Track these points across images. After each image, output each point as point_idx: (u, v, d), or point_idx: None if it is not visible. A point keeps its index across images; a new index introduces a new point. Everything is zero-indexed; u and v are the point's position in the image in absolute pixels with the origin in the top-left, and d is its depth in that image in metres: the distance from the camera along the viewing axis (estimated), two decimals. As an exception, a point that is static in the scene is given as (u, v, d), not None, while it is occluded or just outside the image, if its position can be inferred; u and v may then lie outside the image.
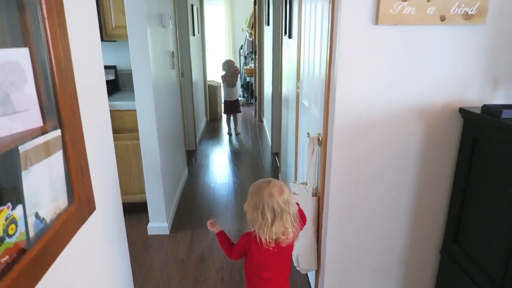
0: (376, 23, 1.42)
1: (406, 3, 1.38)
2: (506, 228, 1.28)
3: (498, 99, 1.55)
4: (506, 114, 1.30)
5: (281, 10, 3.47)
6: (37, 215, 0.81)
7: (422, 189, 1.68)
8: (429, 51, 1.48)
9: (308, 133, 2.04)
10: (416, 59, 1.49)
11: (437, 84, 1.53)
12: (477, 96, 1.55)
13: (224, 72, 5.42)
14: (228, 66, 5.39)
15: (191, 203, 3.38)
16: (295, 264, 1.97)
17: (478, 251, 1.45)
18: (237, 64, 6.95)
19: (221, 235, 1.59)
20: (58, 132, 0.91)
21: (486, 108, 1.40)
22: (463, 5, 1.39)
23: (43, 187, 0.85)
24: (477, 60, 1.50)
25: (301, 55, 2.39)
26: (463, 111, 1.52)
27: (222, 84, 5.59)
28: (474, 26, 1.45)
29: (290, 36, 2.94)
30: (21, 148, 0.76)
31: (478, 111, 1.43)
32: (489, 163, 1.39)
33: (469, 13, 1.39)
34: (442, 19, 1.40)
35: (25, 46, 0.79)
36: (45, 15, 0.83)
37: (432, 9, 1.39)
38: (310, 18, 2.07)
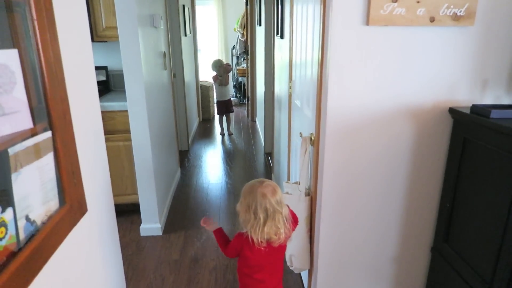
0: (367, 23, 1.43)
1: (396, 4, 1.39)
2: (496, 227, 1.30)
3: (488, 100, 1.58)
4: (494, 114, 1.31)
5: (273, 11, 3.48)
6: (27, 218, 0.81)
7: (413, 188, 1.70)
8: (419, 52, 1.50)
9: (300, 133, 2.05)
10: (407, 60, 1.51)
11: (427, 84, 1.54)
12: (466, 96, 1.57)
13: (214, 73, 5.40)
14: (219, 65, 5.36)
15: (184, 203, 3.37)
16: (288, 263, 1.97)
17: (468, 250, 1.47)
18: (228, 62, 6.94)
19: (218, 232, 1.60)
20: (48, 134, 0.90)
21: (475, 108, 1.42)
22: (452, 7, 1.40)
23: (33, 189, 0.84)
24: (466, 61, 1.52)
25: (293, 55, 2.40)
26: (452, 111, 1.53)
27: (214, 85, 5.58)
28: (463, 28, 1.46)
29: (282, 37, 2.95)
30: (11, 151, 0.75)
31: (468, 111, 1.45)
32: (479, 162, 1.41)
33: (458, 14, 1.41)
34: (432, 20, 1.42)
35: (14, 47, 0.78)
36: (34, 16, 0.82)
37: (422, 10, 1.40)
38: (302, 18, 2.08)
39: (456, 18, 1.42)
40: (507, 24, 1.48)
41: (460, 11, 1.41)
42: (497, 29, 1.48)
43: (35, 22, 0.83)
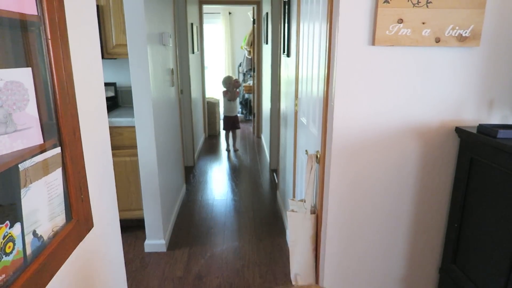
0: (373, 44, 1.45)
1: (402, 25, 1.41)
2: (505, 248, 1.28)
3: (494, 119, 1.57)
4: (502, 134, 1.31)
5: (280, 30, 3.53)
6: (34, 233, 0.81)
7: (420, 208, 1.68)
8: (426, 72, 1.51)
9: (306, 150, 2.05)
10: (413, 79, 1.52)
11: (433, 103, 1.55)
12: (473, 116, 1.57)
13: (225, 89, 5.49)
14: (229, 81, 5.47)
15: (188, 220, 3.36)
16: (293, 282, 1.95)
17: (477, 271, 1.45)
18: (236, 78, 7.03)
19: None
20: (58, 150, 0.91)
21: (482, 128, 1.42)
22: (457, 28, 1.42)
23: (41, 204, 0.85)
24: (473, 81, 1.53)
25: (299, 73, 2.42)
26: (459, 131, 1.53)
27: (223, 100, 5.64)
28: (468, 48, 1.48)
29: (288, 55, 2.98)
30: (21, 166, 0.77)
31: (474, 131, 1.45)
32: (486, 182, 1.39)
33: (463, 35, 1.43)
34: (437, 41, 1.43)
35: (28, 66, 0.80)
36: (49, 36, 0.85)
37: (427, 31, 1.42)
38: (308, 38, 2.11)
39: (461, 39, 1.43)
40: (513, 45, 1.49)
41: (466, 32, 1.43)
42: (503, 49, 1.49)
43: (49, 41, 0.85)
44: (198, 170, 4.76)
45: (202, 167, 4.92)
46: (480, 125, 1.44)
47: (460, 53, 1.49)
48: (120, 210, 1.50)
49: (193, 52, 5.00)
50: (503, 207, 1.29)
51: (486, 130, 1.39)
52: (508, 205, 1.26)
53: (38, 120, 0.82)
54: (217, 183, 4.36)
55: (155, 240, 2.80)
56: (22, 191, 0.77)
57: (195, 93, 5.14)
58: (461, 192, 1.54)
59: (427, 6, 1.40)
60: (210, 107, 6.49)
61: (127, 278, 1.51)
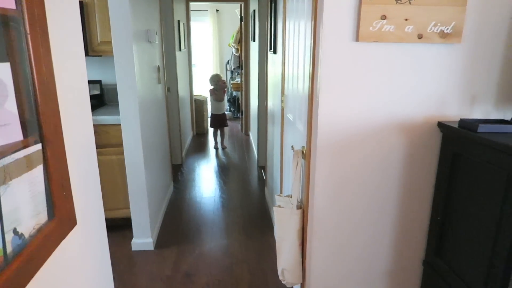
0: (357, 40, 1.46)
1: (385, 21, 1.43)
2: (486, 240, 1.31)
3: (477, 114, 1.60)
4: (482, 128, 1.34)
5: (267, 27, 3.53)
6: (15, 231, 0.80)
7: (405, 202, 1.71)
8: (409, 67, 1.53)
9: (292, 146, 2.06)
10: (397, 75, 1.54)
11: (417, 99, 1.57)
12: (456, 111, 1.60)
13: (212, 87, 5.46)
14: (216, 80, 5.43)
15: (176, 218, 3.34)
16: (280, 277, 1.96)
17: (460, 264, 1.48)
18: (224, 79, 7.00)
19: None
20: (39, 147, 0.90)
21: (463, 123, 1.45)
22: (439, 24, 1.44)
23: (22, 202, 0.83)
24: (455, 77, 1.55)
25: (286, 70, 2.43)
26: (441, 125, 1.56)
27: (209, 98, 5.62)
28: (450, 45, 1.50)
29: (275, 52, 2.99)
30: (0, 163, 0.75)
31: (456, 126, 1.48)
32: (468, 175, 1.42)
33: (445, 32, 1.45)
34: (420, 37, 1.45)
35: (7, 61, 0.79)
36: (28, 30, 0.83)
37: (410, 27, 1.44)
38: (294, 35, 2.12)
39: (443, 35, 1.46)
40: (494, 41, 1.52)
41: (447, 29, 1.45)
42: (485, 46, 1.52)
43: (28, 36, 0.84)
44: (186, 168, 4.74)
45: (190, 165, 4.90)
46: (461, 119, 1.47)
47: (442, 49, 1.51)
48: (106, 209, 1.48)
49: (180, 50, 4.97)
50: (484, 200, 1.32)
51: (467, 125, 1.41)
52: (488, 198, 1.29)
53: (18, 116, 0.80)
54: (205, 181, 4.35)
55: (143, 239, 2.79)
56: (2, 188, 0.75)
57: (182, 91, 5.11)
58: (444, 186, 1.56)
59: (410, 3, 1.42)
60: (198, 105, 6.47)
61: (114, 278, 1.50)
